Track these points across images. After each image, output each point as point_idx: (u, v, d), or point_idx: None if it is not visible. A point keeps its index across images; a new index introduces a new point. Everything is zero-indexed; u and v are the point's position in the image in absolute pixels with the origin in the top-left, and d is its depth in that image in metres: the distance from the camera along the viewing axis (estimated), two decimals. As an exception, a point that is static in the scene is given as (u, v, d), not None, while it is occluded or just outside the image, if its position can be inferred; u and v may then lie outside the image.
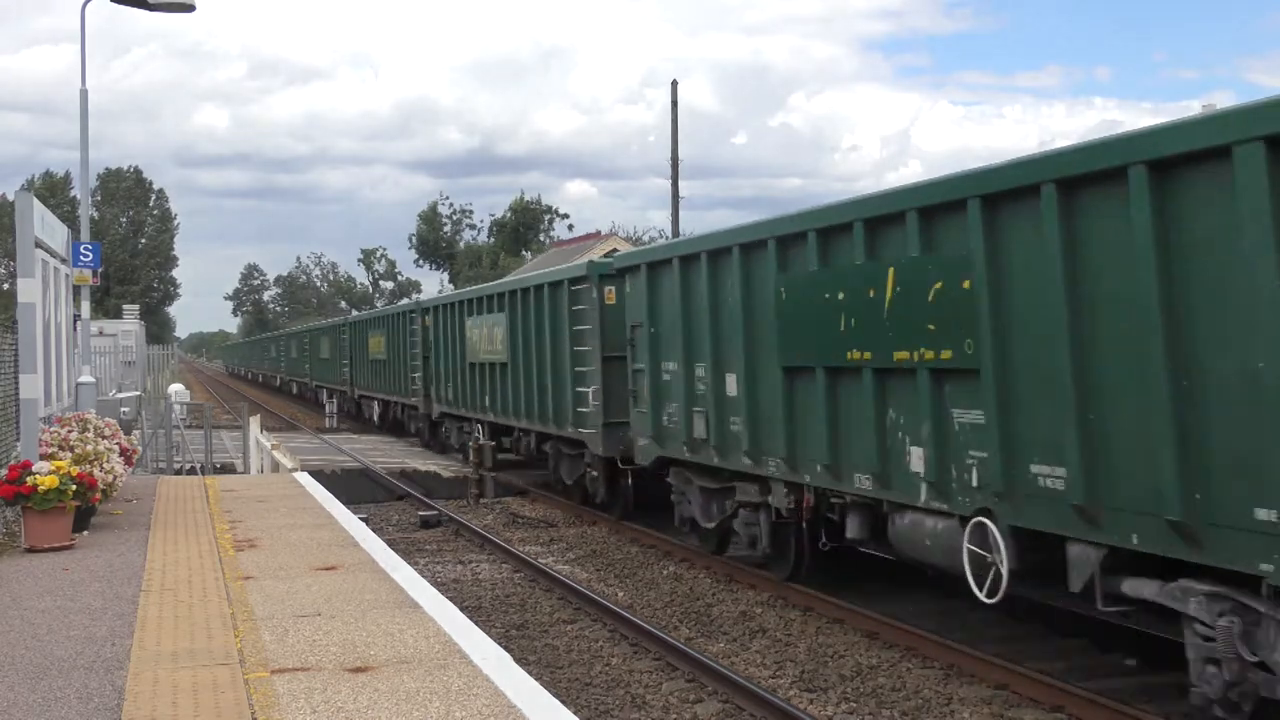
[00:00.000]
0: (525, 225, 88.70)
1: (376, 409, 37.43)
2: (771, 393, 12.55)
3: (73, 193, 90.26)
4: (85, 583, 9.58)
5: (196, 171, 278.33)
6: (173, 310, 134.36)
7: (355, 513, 14.05)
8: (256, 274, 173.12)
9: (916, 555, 10.76)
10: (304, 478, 17.59)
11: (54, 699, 6.39)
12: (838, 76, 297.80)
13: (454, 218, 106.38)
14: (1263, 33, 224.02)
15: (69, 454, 12.10)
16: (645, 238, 67.79)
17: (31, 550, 11.03)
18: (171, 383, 49.46)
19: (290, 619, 8.17)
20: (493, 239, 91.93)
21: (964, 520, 9.64)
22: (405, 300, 71.87)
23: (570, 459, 20.09)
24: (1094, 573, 8.50)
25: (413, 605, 8.57)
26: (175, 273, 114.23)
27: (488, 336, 23.83)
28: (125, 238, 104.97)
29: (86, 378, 20.58)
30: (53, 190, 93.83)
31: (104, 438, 13.00)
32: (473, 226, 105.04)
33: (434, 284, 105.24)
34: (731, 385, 13.42)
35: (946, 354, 9.66)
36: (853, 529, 11.70)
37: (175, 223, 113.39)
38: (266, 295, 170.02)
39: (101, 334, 41.29)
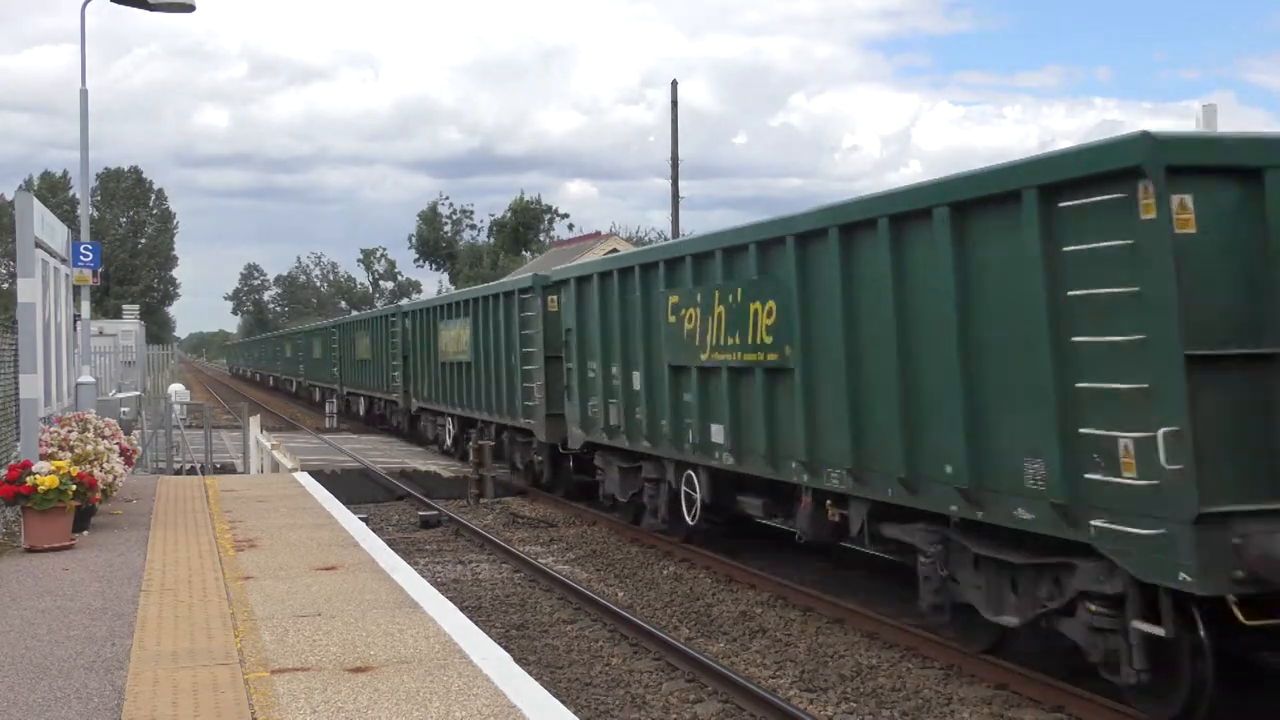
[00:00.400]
0: (525, 225, 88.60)
1: (363, 405, 40.27)
2: (662, 387, 15.26)
3: (72, 192, 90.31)
4: (85, 583, 9.58)
5: (196, 171, 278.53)
6: (173, 310, 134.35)
7: (355, 513, 14.05)
8: (256, 274, 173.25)
9: (756, 514, 14.27)
10: (304, 478, 17.59)
11: (54, 699, 6.39)
12: (838, 76, 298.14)
13: (454, 218, 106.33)
14: (1263, 33, 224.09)
15: (69, 454, 12.10)
16: (646, 238, 67.78)
17: (31, 550, 11.03)
18: (171, 383, 49.48)
19: (290, 619, 8.17)
20: (493, 239, 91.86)
21: (793, 485, 12.62)
22: (405, 300, 71.97)
23: (522, 446, 22.61)
24: (864, 520, 11.39)
25: (413, 605, 8.57)
26: (175, 273, 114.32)
27: (455, 339, 26.52)
28: (125, 238, 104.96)
29: (86, 378, 20.58)
30: (53, 190, 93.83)
31: (104, 438, 13.00)
32: (473, 226, 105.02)
33: (434, 284, 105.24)
34: (636, 381, 16.05)
35: (773, 356, 12.42)
36: (707, 495, 14.67)
37: (175, 223, 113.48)
38: (266, 295, 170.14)
39: (101, 334, 41.28)
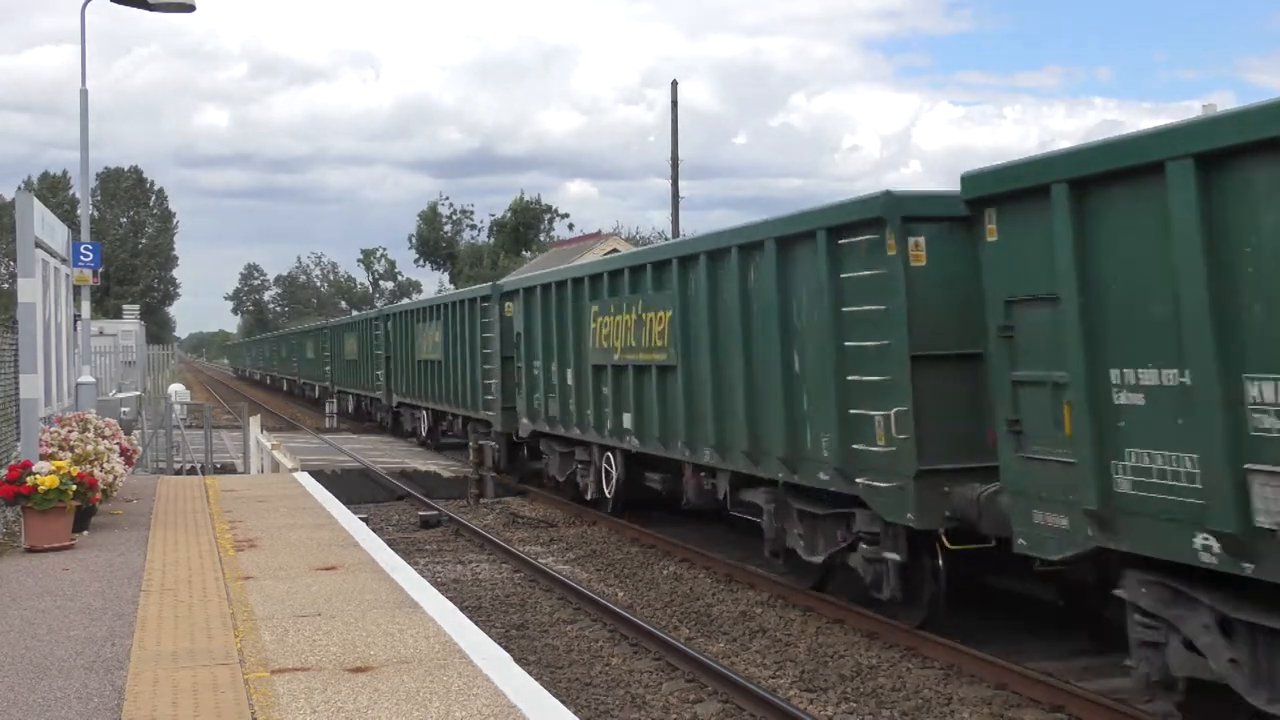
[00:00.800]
0: (525, 225, 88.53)
1: (351, 402, 43.03)
2: (587, 383, 18.16)
3: (72, 192, 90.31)
4: (85, 583, 9.58)
5: (197, 171, 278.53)
6: (173, 310, 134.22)
7: (355, 513, 14.05)
8: (256, 274, 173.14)
9: (659, 487, 16.98)
10: (304, 478, 17.59)
11: (54, 699, 6.39)
12: (838, 77, 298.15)
13: (454, 218, 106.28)
14: (1263, 33, 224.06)
15: (69, 454, 12.10)
16: (647, 238, 67.82)
17: (31, 550, 11.03)
18: (171, 383, 49.48)
19: (290, 619, 8.17)
20: (493, 239, 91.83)
21: (680, 462, 15.55)
22: (406, 301, 72.11)
23: (483, 435, 24.96)
24: (726, 489, 14.33)
25: (413, 605, 8.57)
26: (175, 273, 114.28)
27: (429, 341, 29.50)
28: (125, 238, 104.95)
29: (86, 378, 20.58)
30: (53, 190, 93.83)
31: (104, 438, 13.00)
32: (473, 226, 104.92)
33: (434, 284, 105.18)
34: (569, 378, 18.90)
35: (663, 357, 15.43)
36: (622, 473, 17.76)
37: (175, 223, 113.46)
38: (266, 295, 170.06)
39: (101, 334, 41.26)
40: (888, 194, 10.65)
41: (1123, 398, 8.11)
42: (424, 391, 30.38)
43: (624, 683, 10.33)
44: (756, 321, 13.02)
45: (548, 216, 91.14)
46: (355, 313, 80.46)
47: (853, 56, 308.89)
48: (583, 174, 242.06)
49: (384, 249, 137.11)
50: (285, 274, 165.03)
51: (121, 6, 21.63)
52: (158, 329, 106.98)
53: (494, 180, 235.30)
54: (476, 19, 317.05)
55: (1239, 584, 7.38)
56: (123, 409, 28.08)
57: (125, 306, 66.07)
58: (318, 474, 19.50)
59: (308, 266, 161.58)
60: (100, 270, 23.20)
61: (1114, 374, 8.14)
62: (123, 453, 13.53)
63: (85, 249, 20.80)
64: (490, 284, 25.79)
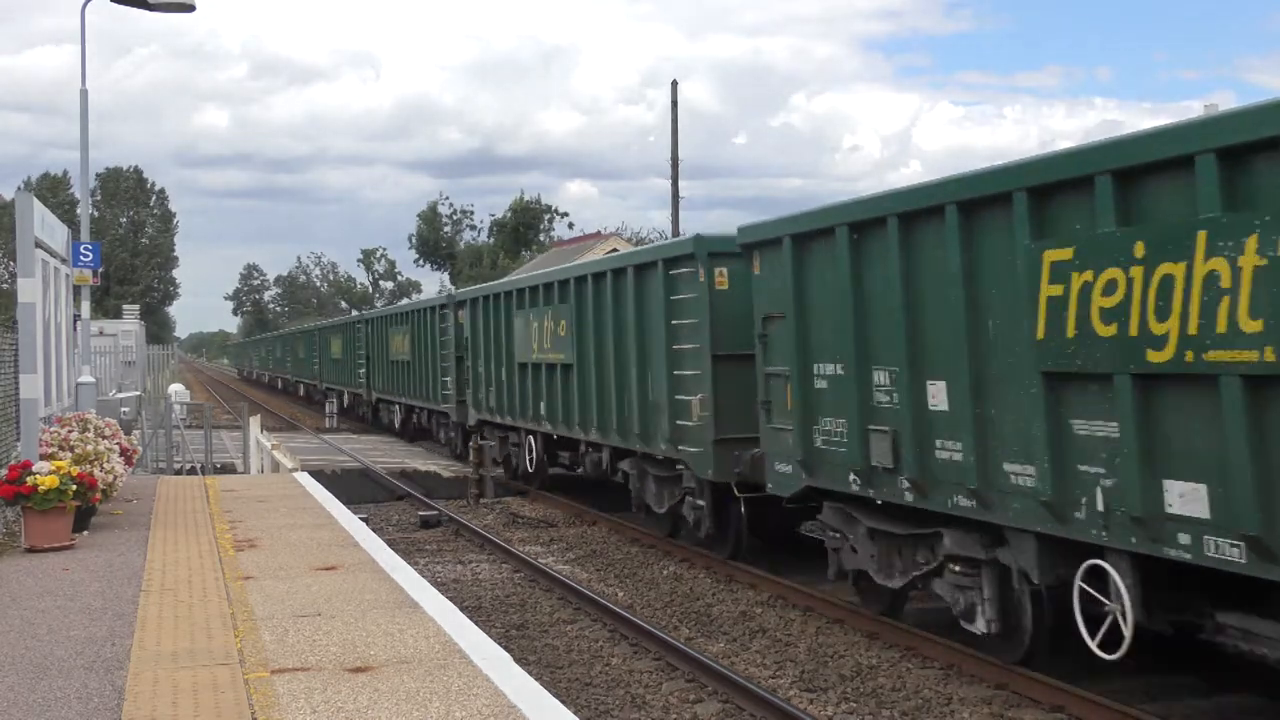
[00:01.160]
0: (525, 225, 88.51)
1: (338, 400, 45.41)
2: (514, 378, 21.89)
3: (72, 192, 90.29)
4: (85, 583, 9.58)
5: (197, 171, 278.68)
6: (173, 310, 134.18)
7: (355, 513, 14.05)
8: (256, 274, 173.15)
9: (567, 463, 20.72)
10: (304, 478, 17.59)
11: (54, 699, 6.39)
12: (838, 77, 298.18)
13: (454, 218, 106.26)
14: (1263, 33, 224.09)
15: (69, 454, 12.10)
16: (647, 238, 67.84)
17: (31, 550, 11.03)
18: (171, 383, 49.47)
19: (290, 619, 8.17)
20: (493, 239, 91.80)
21: (579, 441, 19.11)
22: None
23: (443, 425, 29.14)
24: (608, 460, 18.10)
25: (413, 605, 8.57)
26: (175, 273, 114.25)
27: (400, 343, 33.27)
28: (125, 237, 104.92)
29: (86, 378, 20.58)
30: (53, 190, 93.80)
31: (104, 438, 13.00)
32: (473, 226, 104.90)
33: (434, 284, 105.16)
34: (503, 375, 22.63)
35: (564, 357, 19.00)
36: (542, 452, 21.45)
37: (175, 223, 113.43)
38: (266, 295, 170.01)
39: (101, 334, 41.28)
40: (698, 237, 14.64)
41: (818, 383, 11.81)
42: (397, 388, 33.98)
43: (624, 683, 10.33)
44: (622, 330, 16.82)
45: (548, 216, 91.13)
46: (355, 312, 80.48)
47: (853, 56, 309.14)
48: (583, 174, 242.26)
49: (384, 249, 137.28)
50: (285, 274, 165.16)
51: (121, 6, 21.64)
52: (158, 329, 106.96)
53: (494, 180, 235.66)
54: (476, 19, 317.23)
55: (875, 506, 11.17)
56: (123, 409, 28.08)
57: (125, 306, 66.07)
58: (318, 474, 19.50)
59: (308, 266, 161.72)
60: (100, 270, 23.20)
61: (815, 367, 11.89)
62: (123, 453, 13.53)
63: (85, 249, 20.80)
64: (447, 294, 30.83)
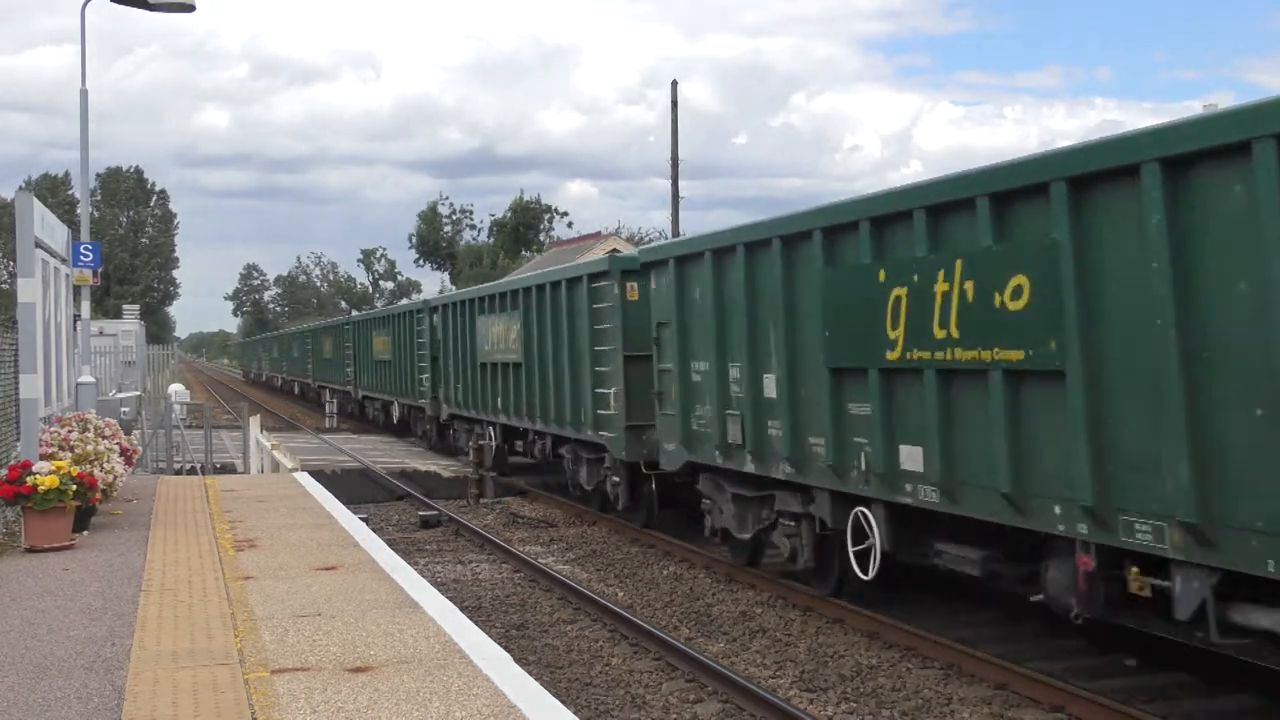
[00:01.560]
0: (525, 225, 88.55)
1: (328, 397, 47.64)
2: (478, 376, 24.85)
3: (72, 192, 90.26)
4: (85, 583, 9.57)
5: (197, 171, 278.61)
6: (173, 310, 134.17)
7: (355, 513, 14.05)
8: (256, 274, 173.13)
9: (521, 449, 23.51)
10: (304, 478, 17.59)
11: (54, 699, 6.39)
12: (839, 77, 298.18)
13: (454, 218, 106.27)
14: (1263, 33, 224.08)
15: (69, 454, 12.10)
16: (647, 238, 67.83)
17: (31, 550, 11.03)
18: (171, 383, 49.45)
19: (290, 619, 8.17)
20: (493, 239, 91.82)
21: (527, 430, 22.17)
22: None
23: (419, 420, 32.14)
24: (550, 446, 21.08)
25: (413, 605, 8.57)
26: (175, 273, 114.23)
27: (382, 344, 35.90)
28: (125, 238, 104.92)
29: (86, 378, 20.58)
30: (53, 190, 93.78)
31: (104, 438, 12.99)
32: (473, 226, 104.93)
33: (434, 284, 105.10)
34: (469, 373, 25.70)
35: (515, 357, 21.98)
36: (499, 439, 24.12)
37: (176, 223, 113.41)
38: (266, 295, 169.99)
39: (101, 334, 41.28)
40: (612, 257, 18.31)
41: (694, 378, 14.38)
42: (381, 386, 36.75)
43: (624, 683, 10.33)
44: (559, 334, 19.71)
45: (548, 216, 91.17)
46: (355, 312, 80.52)
47: (853, 56, 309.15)
48: (583, 174, 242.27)
49: (384, 249, 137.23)
50: (285, 274, 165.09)
51: (122, 6, 21.63)
52: (158, 329, 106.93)
53: (494, 180, 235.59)
54: (476, 19, 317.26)
55: (733, 475, 13.71)
56: (123, 409, 28.07)
57: (125, 306, 66.06)
58: (318, 474, 19.50)
59: (308, 266, 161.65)
60: (100, 270, 23.19)
61: (692, 364, 14.42)
62: (123, 453, 13.52)
63: (85, 249, 20.79)
64: (423, 300, 33.56)
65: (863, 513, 11.30)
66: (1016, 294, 8.88)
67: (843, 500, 11.58)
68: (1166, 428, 7.56)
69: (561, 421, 19.71)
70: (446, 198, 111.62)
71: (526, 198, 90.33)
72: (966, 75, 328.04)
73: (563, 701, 6.60)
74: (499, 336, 23.10)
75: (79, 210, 25.69)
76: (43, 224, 13.49)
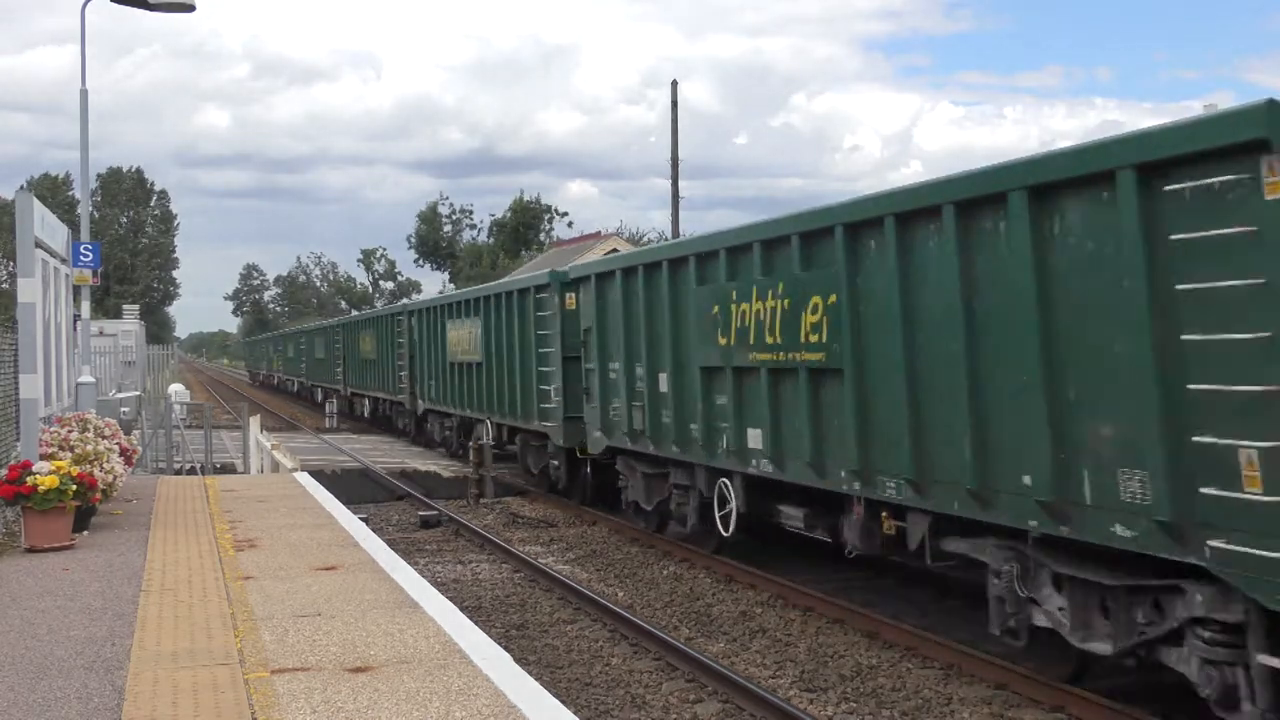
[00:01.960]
0: (525, 225, 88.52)
1: (320, 394, 50.78)
2: (449, 375, 27.71)
3: (73, 193, 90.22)
4: (85, 583, 9.57)
5: (197, 171, 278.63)
6: (173, 310, 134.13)
7: (355, 513, 14.05)
8: (256, 274, 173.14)
9: (490, 438, 24.22)
10: (304, 478, 17.59)
11: (54, 699, 6.39)
12: (839, 77, 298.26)
13: (454, 218, 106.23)
14: (1263, 33, 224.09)
15: (69, 454, 12.10)
16: (647, 238, 67.86)
17: (31, 550, 11.03)
18: (171, 383, 49.44)
19: (290, 619, 8.17)
20: (493, 239, 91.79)
21: (481, 419, 24.31)
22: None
23: (401, 415, 34.70)
24: (505, 436, 23.46)
25: (413, 605, 8.57)
26: (175, 273, 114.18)
27: (369, 345, 38.94)
28: (125, 238, 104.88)
29: (86, 378, 20.57)
30: (53, 190, 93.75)
31: (104, 438, 12.99)
32: (473, 226, 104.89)
33: (434, 284, 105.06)
34: (440, 371, 28.65)
35: (479, 357, 24.63)
36: (459, 428, 27.35)
37: (176, 223, 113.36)
38: (266, 295, 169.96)
39: (101, 334, 41.28)
40: (552, 272, 20.85)
41: (611, 375, 17.01)
42: (367, 383, 39.51)
43: (624, 683, 10.33)
44: (512, 337, 22.61)
45: (548, 216, 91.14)
46: (355, 312, 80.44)
47: (853, 56, 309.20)
48: (583, 174, 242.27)
49: (384, 249, 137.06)
50: (285, 274, 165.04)
51: (122, 6, 21.63)
52: (158, 329, 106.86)
53: (494, 180, 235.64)
54: (477, 19, 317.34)
55: (641, 456, 16.61)
56: (123, 409, 28.07)
57: (125, 306, 66.04)
58: (318, 474, 19.49)
59: (308, 266, 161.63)
60: (100, 270, 23.18)
61: (608, 365, 17.05)
62: (123, 453, 13.52)
63: (85, 249, 20.79)
64: (401, 304, 37.63)
65: (724, 483, 14.26)
66: (814, 310, 11.65)
67: (713, 473, 14.54)
68: (900, 413, 10.26)
69: (514, 414, 22.50)
70: (446, 198, 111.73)
71: (526, 198, 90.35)
72: (966, 75, 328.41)
73: (563, 701, 6.60)
74: (464, 339, 26.10)
75: (79, 210, 25.68)
76: (43, 224, 13.49)
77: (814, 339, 11.58)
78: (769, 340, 12.46)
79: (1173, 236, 7.53)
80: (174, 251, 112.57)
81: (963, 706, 9.35)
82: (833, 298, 11.24)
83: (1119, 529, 8.08)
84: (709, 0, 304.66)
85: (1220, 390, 7.24)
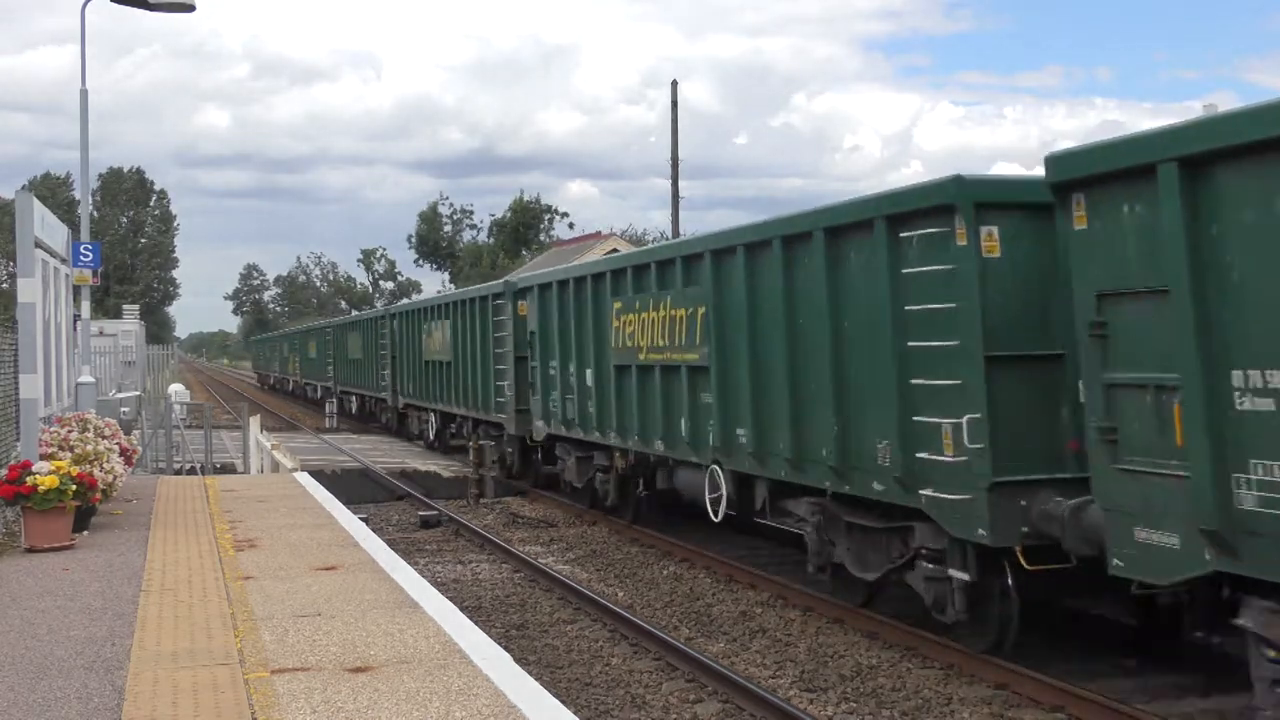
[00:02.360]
0: (525, 225, 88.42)
1: (311, 391, 54.32)
2: (425, 373, 30.21)
3: (73, 192, 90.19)
4: (85, 583, 9.57)
5: (198, 171, 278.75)
6: (173, 310, 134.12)
7: (355, 513, 14.05)
8: (256, 274, 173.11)
9: (457, 432, 28.33)
10: (304, 478, 17.59)
11: (54, 699, 6.39)
12: (839, 77, 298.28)
13: (454, 218, 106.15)
14: (1263, 33, 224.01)
15: (69, 454, 12.09)
16: (648, 238, 67.85)
17: (31, 550, 11.03)
18: (171, 383, 49.43)
19: (290, 619, 8.17)
20: (493, 239, 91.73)
21: (456, 415, 27.74)
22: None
23: (384, 410, 37.10)
24: (470, 428, 26.18)
25: (413, 605, 8.57)
26: (175, 273, 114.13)
27: (356, 346, 41.53)
28: (125, 238, 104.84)
29: (86, 378, 20.56)
30: (53, 190, 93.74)
31: (104, 438, 12.99)
32: (473, 226, 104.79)
33: (435, 284, 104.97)
34: (417, 369, 31.07)
35: (447, 357, 27.17)
36: (439, 424, 29.93)
37: (176, 223, 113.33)
38: (266, 295, 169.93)
39: (101, 334, 41.23)
40: (506, 282, 24.02)
41: (551, 372, 19.51)
42: (353, 381, 42.19)
43: (624, 683, 10.33)
44: (474, 340, 24.94)
45: (548, 216, 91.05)
46: (355, 312, 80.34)
47: (853, 56, 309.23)
48: (583, 174, 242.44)
49: (384, 249, 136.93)
50: (285, 274, 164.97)
51: (122, 6, 21.62)
52: (158, 329, 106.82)
53: (494, 180, 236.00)
54: (477, 19, 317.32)
55: (574, 441, 19.14)
56: (123, 409, 28.06)
57: (125, 306, 66.01)
58: (318, 474, 19.49)
59: (308, 266, 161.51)
60: (100, 270, 23.17)
61: (549, 363, 19.58)
62: (123, 453, 13.52)
63: (85, 249, 20.78)
64: (383, 308, 42.28)
65: (604, 453, 17.79)
66: (692, 319, 14.32)
67: (623, 453, 17.18)
68: (748, 403, 12.95)
69: (477, 407, 25.05)
70: (447, 198, 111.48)
71: (527, 198, 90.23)
72: (966, 75, 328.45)
73: (563, 701, 6.60)
74: (437, 341, 28.77)
75: (79, 210, 25.67)
76: (43, 224, 13.49)
77: (691, 343, 14.33)
78: (660, 343, 15.19)
79: (904, 270, 10.21)
80: (174, 251, 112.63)
81: (963, 706, 9.35)
82: (703, 310, 13.93)
83: (876, 485, 10.84)
84: (709, 0, 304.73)
85: (930, 383, 9.96)
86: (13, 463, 11.47)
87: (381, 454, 29.15)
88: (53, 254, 14.81)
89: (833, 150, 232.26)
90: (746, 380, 12.89)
